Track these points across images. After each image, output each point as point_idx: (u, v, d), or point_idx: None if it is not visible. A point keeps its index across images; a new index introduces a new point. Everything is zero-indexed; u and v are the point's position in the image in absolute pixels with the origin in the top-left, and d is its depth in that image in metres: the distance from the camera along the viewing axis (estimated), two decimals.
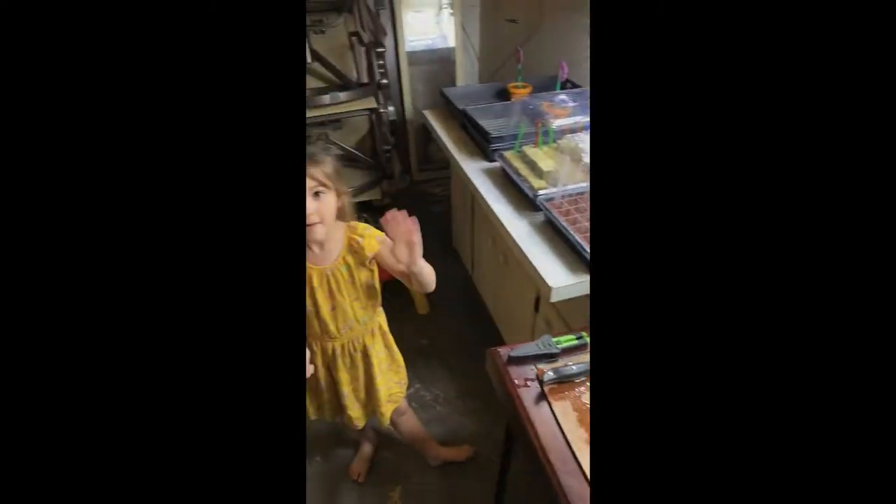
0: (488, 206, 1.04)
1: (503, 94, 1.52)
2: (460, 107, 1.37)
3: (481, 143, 1.21)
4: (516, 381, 0.70)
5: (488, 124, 1.27)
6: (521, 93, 1.42)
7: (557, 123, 1.09)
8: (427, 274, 0.79)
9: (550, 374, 0.68)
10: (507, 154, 1.09)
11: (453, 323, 1.64)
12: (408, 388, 1.05)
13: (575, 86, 1.43)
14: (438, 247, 2.07)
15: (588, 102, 1.10)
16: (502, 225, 0.97)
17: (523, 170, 1.03)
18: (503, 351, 0.76)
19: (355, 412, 0.97)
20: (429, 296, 1.73)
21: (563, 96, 1.13)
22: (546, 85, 1.57)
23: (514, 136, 1.12)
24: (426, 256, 0.76)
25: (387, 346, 0.96)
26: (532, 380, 0.70)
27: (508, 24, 1.95)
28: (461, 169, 1.21)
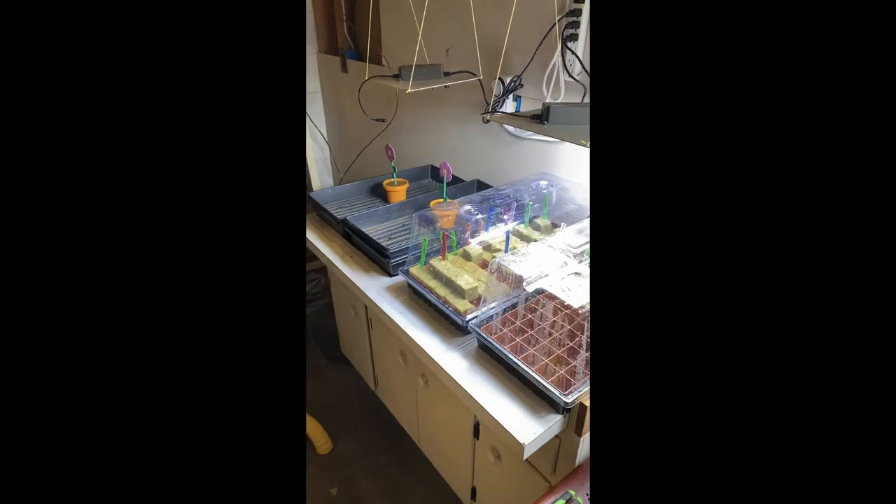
0: (407, 337, 0.88)
1: (377, 192, 1.42)
2: (338, 214, 1.22)
3: (378, 259, 1.07)
4: None
5: (376, 232, 1.14)
6: (397, 191, 1.33)
7: (471, 238, 1.02)
8: None
9: None
10: (414, 270, 0.97)
11: (364, 455, 1.39)
12: None
13: (457, 180, 1.39)
14: (323, 354, 1.82)
15: (482, 203, 1.06)
16: (433, 361, 0.82)
17: (439, 289, 0.91)
18: None
19: None
20: (326, 425, 1.45)
21: (468, 206, 1.06)
22: (418, 175, 1.52)
23: (417, 248, 1.00)
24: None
25: None
26: None
27: (354, 116, 1.89)
28: (357, 288, 1.04)
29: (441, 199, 1.20)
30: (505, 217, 1.05)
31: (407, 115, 1.65)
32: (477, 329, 0.80)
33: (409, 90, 0.95)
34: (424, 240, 0.95)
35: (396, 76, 1.09)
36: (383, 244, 1.02)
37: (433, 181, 1.53)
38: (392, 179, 1.35)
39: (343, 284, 1.13)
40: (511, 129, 1.21)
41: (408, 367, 1.14)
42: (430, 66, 1.08)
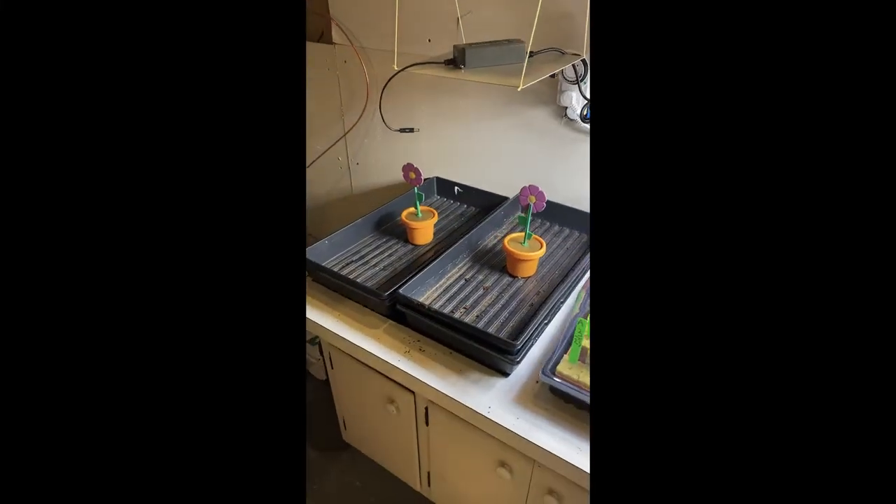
0: None
1: (387, 228, 1.00)
2: (360, 277, 0.80)
3: (484, 356, 0.69)
4: None
5: (437, 300, 0.75)
6: (424, 227, 0.93)
7: None
8: None
9: None
10: (565, 370, 0.62)
11: None
12: None
13: (478, 194, 1.02)
14: (311, 443, 1.38)
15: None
16: None
17: None
18: None
19: None
20: None
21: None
22: (434, 189, 1.12)
23: (569, 337, 0.65)
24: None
25: None
26: None
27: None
28: (465, 409, 0.66)
29: (521, 233, 0.85)
30: None
31: (387, 107, 1.22)
32: None
33: (521, 87, 0.58)
34: (581, 323, 0.61)
35: (450, 62, 0.69)
36: (495, 332, 0.66)
37: (442, 198, 1.15)
38: (414, 210, 0.94)
39: (402, 386, 0.74)
40: (583, 123, 0.89)
41: (515, 480, 0.81)
42: (501, 43, 0.70)
